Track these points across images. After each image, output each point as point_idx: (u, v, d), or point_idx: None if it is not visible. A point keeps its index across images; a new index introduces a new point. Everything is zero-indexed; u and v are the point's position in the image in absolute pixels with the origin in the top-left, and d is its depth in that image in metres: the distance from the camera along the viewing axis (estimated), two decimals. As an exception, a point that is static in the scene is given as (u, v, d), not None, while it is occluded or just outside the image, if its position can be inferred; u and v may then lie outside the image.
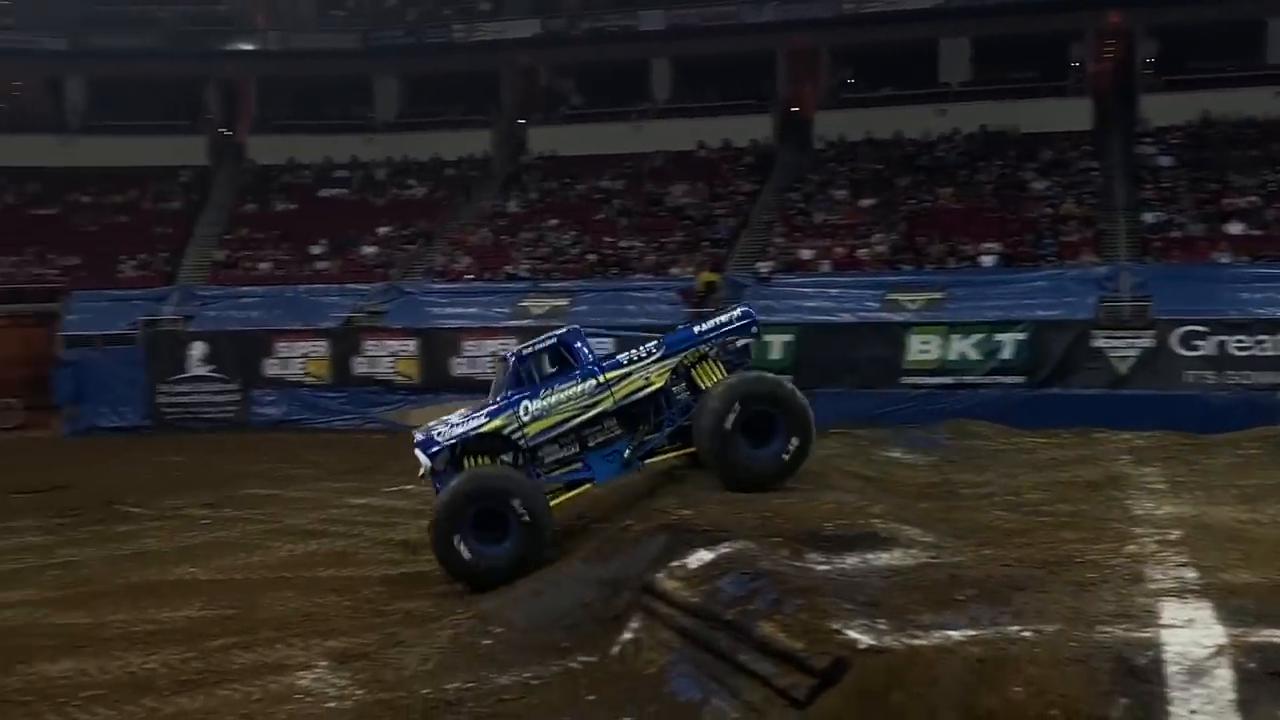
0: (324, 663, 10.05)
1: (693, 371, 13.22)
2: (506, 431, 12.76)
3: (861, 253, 29.15)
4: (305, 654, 10.40)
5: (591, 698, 8.73)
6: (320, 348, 28.02)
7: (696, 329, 13.50)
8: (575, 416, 12.86)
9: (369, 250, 34.04)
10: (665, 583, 9.43)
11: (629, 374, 12.95)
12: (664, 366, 13.02)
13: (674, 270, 29.90)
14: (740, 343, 13.60)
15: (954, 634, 7.37)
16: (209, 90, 40.76)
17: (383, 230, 34.92)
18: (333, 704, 9.09)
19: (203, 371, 27.99)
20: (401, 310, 29.35)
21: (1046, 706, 6.49)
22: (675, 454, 13.28)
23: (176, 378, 28.02)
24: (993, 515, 11.91)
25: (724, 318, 13.57)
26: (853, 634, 7.50)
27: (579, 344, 13.17)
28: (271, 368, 28.08)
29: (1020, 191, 30.99)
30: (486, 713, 8.69)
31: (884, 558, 9.54)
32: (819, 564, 9.37)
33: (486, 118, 39.22)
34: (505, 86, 39.75)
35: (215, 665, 10.23)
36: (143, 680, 9.97)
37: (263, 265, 33.95)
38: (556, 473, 13.05)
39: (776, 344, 25.08)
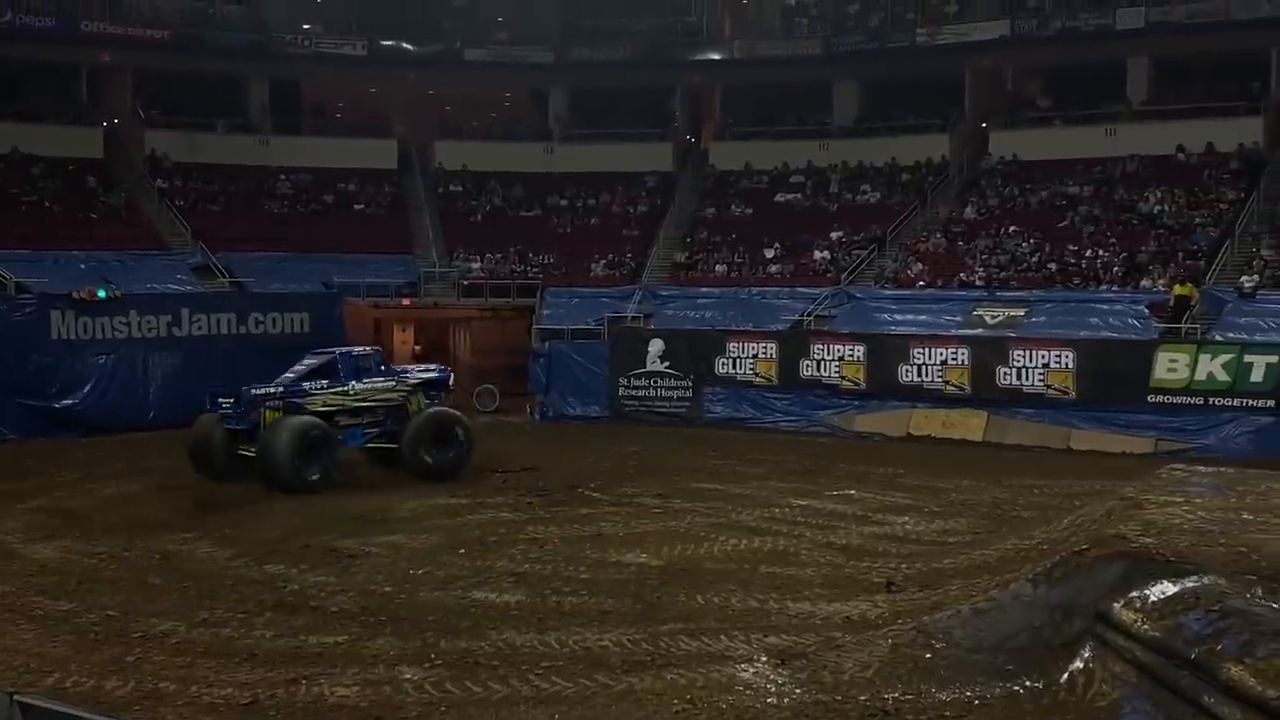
0: (764, 658, 10.24)
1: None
2: None
3: (1367, 268, 26.18)
4: (746, 647, 10.64)
5: (1036, 725, 8.37)
6: (769, 349, 28.60)
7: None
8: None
9: (820, 255, 34.36)
10: (1122, 613, 8.86)
11: None
12: None
13: (1144, 283, 28.10)
14: None
15: None
16: (676, 99, 42.63)
17: (834, 235, 35.14)
18: (772, 700, 9.25)
19: (660, 368, 29.33)
20: (850, 315, 29.39)
21: None
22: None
23: (636, 372, 29.52)
24: None
25: None
26: (1338, 686, 6.75)
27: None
28: (723, 367, 28.99)
29: None
30: (924, 727, 8.53)
31: (1380, 606, 8.52)
32: (1300, 607, 8.50)
33: (945, 122, 38.52)
34: (967, 90, 38.83)
35: (662, 649, 10.67)
36: (597, 656, 10.56)
37: (719, 267, 35.11)
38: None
39: (1259, 365, 23.09)
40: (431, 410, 20.95)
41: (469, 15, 43.31)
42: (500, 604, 12.42)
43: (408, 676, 10.08)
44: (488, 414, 30.53)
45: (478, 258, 36.34)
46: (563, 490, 19.45)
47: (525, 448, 24.61)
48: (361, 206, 38.46)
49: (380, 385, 20.97)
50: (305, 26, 40.91)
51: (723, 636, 11.00)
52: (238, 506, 18.03)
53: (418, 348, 37.82)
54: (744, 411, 28.56)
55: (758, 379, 28.60)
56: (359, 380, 20.73)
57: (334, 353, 21.25)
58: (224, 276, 31.39)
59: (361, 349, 22.42)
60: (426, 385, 21.67)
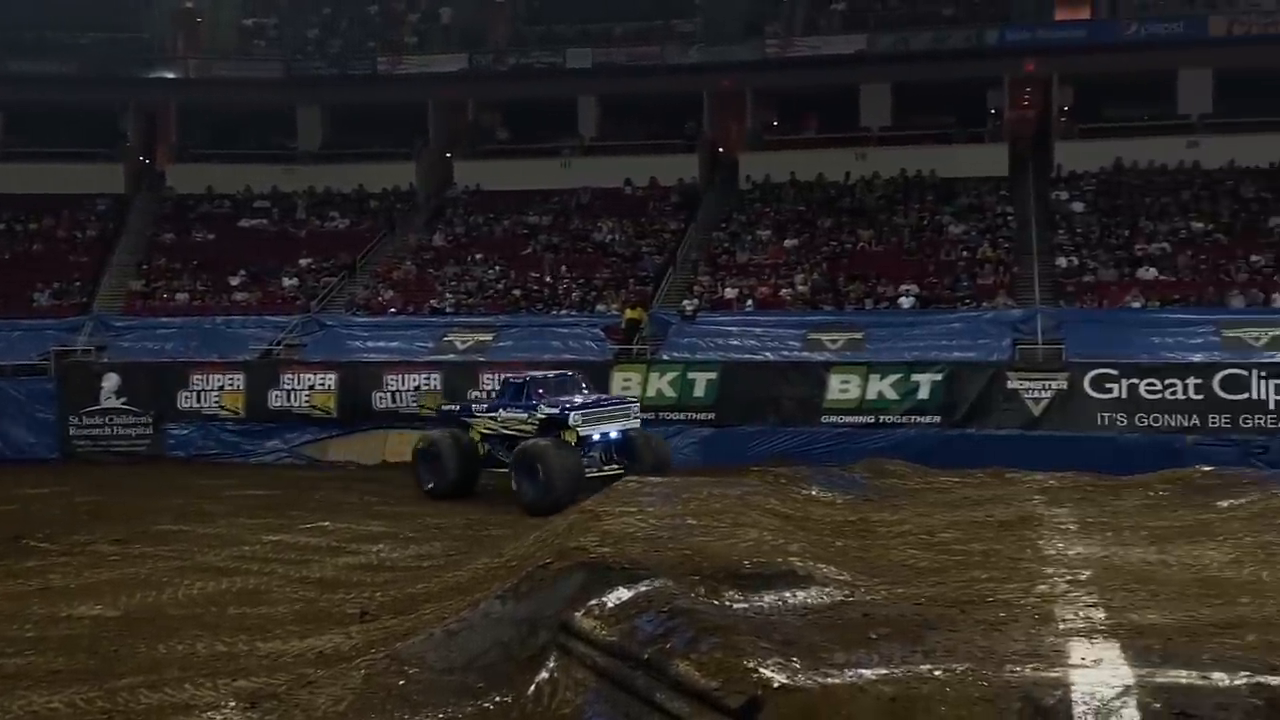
0: (233, 703, 9.86)
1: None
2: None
3: (784, 292, 29.42)
4: (214, 694, 10.19)
5: (506, 739, 8.64)
6: (236, 380, 27.65)
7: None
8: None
9: (289, 282, 33.65)
10: (582, 621, 9.35)
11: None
12: None
13: (600, 307, 29.93)
14: None
15: (867, 673, 7.41)
16: (128, 117, 40.14)
17: (304, 262, 34.54)
18: (240, 746, 8.92)
19: (115, 404, 27.48)
20: (321, 343, 29.06)
21: (958, 746, 6.53)
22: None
23: (89, 410, 27.47)
24: (907, 554, 12.00)
25: None
26: (767, 672, 7.49)
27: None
28: (186, 400, 27.66)
29: (938, 235, 31.51)
30: (398, 755, 8.56)
31: (800, 596, 9.56)
32: (736, 602, 9.37)
33: (412, 150, 39.05)
34: (431, 120, 39.58)
35: (121, 705, 10.00)
36: (44, 721, 9.71)
37: (180, 296, 33.40)
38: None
39: (700, 381, 25.30)
40: (523, 444, 20.89)
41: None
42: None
43: None
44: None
45: (-105, 288, 32.28)
46: (3, 543, 17.69)
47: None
48: None
49: (515, 416, 21.77)
50: None
51: (188, 685, 10.47)
52: None
53: None
54: (211, 446, 27.39)
55: (224, 412, 27.55)
56: (513, 408, 21.82)
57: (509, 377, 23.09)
58: None
59: (524, 376, 22.62)
60: (549, 421, 21.16)
